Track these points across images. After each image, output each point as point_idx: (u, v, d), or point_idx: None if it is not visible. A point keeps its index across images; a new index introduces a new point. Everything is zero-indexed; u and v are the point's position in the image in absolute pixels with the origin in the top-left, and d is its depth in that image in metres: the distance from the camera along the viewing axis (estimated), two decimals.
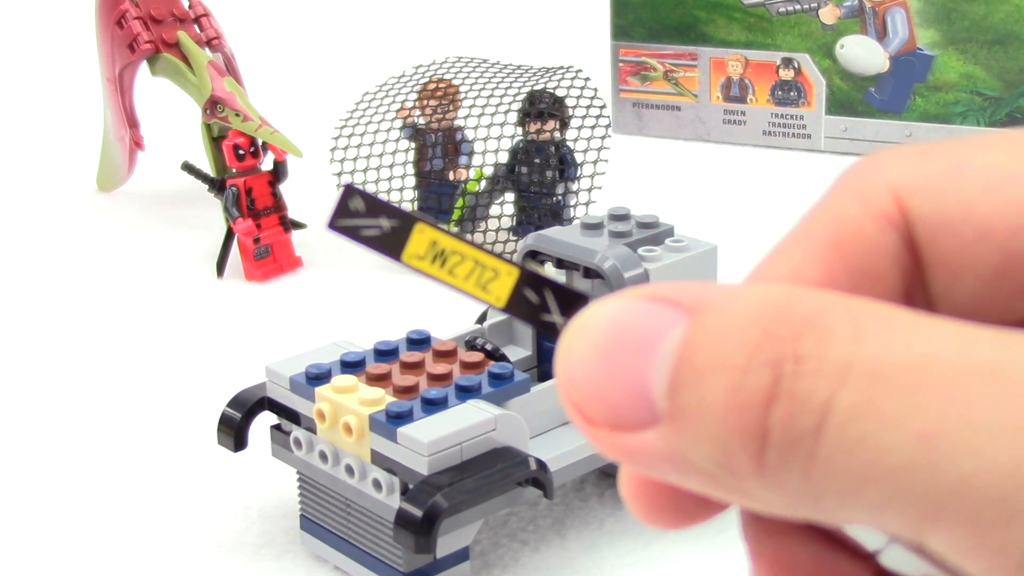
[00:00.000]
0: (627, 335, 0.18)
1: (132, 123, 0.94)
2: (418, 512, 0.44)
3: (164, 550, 0.53)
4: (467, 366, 0.50)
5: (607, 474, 0.55)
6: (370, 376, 0.49)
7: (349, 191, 0.24)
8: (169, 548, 0.53)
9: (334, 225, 0.24)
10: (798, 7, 1.05)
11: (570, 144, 0.82)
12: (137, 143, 0.95)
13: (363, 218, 0.24)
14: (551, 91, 0.82)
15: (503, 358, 0.53)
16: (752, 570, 0.22)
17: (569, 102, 0.83)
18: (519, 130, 0.82)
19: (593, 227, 0.56)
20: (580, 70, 0.85)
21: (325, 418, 0.48)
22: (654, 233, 0.56)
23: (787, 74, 1.07)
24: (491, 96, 0.83)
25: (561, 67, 0.87)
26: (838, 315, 0.17)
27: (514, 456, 0.47)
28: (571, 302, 0.23)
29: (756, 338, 0.17)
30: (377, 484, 0.47)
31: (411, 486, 0.46)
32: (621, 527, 0.54)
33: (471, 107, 0.83)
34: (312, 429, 0.49)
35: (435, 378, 0.49)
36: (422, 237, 0.24)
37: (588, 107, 0.83)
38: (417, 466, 0.45)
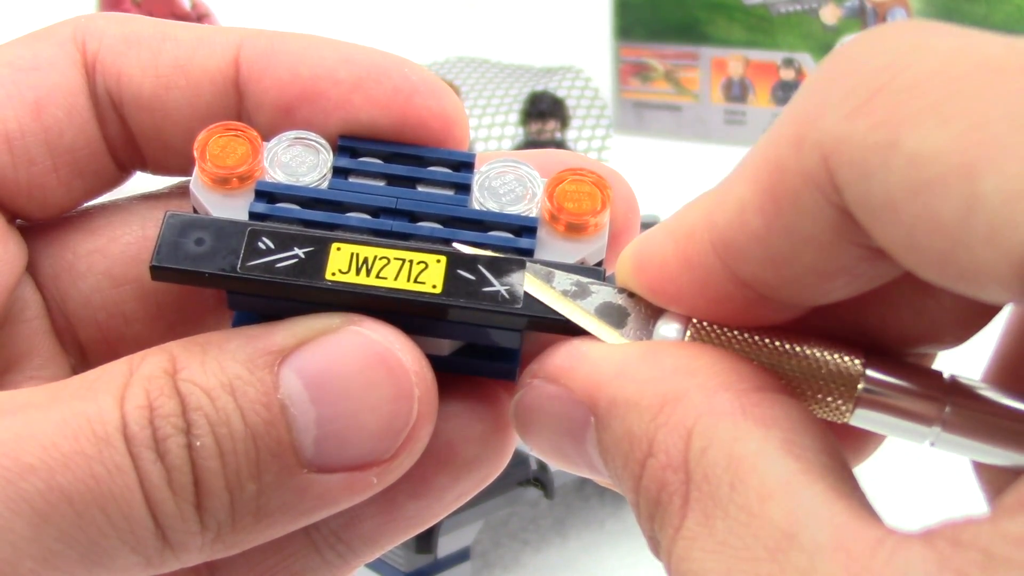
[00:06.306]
0: (560, 430, 0.24)
1: None
2: None
3: None
4: None
5: None
6: None
7: (255, 233, 0.24)
8: None
9: (248, 273, 0.23)
10: (799, 7, 1.05)
11: (571, 143, 0.82)
12: None
13: (275, 254, 0.24)
14: (552, 92, 0.82)
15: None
16: None
17: (570, 103, 0.83)
18: (520, 130, 0.82)
19: None
20: (581, 70, 0.85)
21: None
22: None
23: (788, 74, 1.07)
24: (492, 96, 0.83)
25: (562, 67, 0.87)
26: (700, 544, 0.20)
27: (515, 456, 0.47)
28: (507, 268, 0.24)
29: (637, 474, 0.22)
30: None
31: None
32: (622, 527, 0.54)
33: (472, 107, 0.83)
34: None
35: None
36: (340, 254, 0.23)
37: (589, 107, 0.83)
38: None
